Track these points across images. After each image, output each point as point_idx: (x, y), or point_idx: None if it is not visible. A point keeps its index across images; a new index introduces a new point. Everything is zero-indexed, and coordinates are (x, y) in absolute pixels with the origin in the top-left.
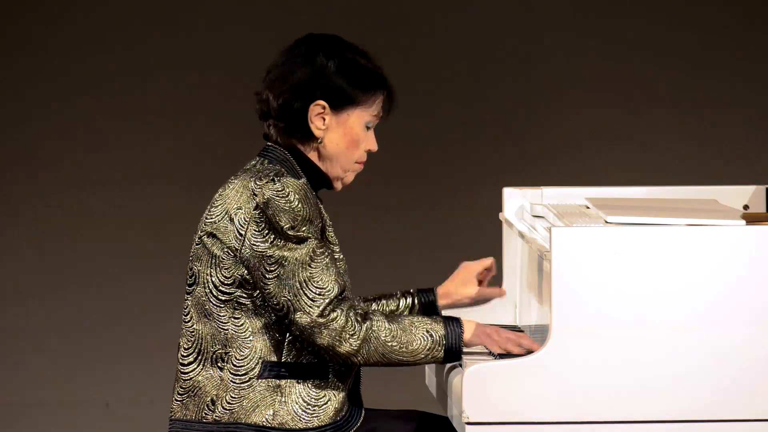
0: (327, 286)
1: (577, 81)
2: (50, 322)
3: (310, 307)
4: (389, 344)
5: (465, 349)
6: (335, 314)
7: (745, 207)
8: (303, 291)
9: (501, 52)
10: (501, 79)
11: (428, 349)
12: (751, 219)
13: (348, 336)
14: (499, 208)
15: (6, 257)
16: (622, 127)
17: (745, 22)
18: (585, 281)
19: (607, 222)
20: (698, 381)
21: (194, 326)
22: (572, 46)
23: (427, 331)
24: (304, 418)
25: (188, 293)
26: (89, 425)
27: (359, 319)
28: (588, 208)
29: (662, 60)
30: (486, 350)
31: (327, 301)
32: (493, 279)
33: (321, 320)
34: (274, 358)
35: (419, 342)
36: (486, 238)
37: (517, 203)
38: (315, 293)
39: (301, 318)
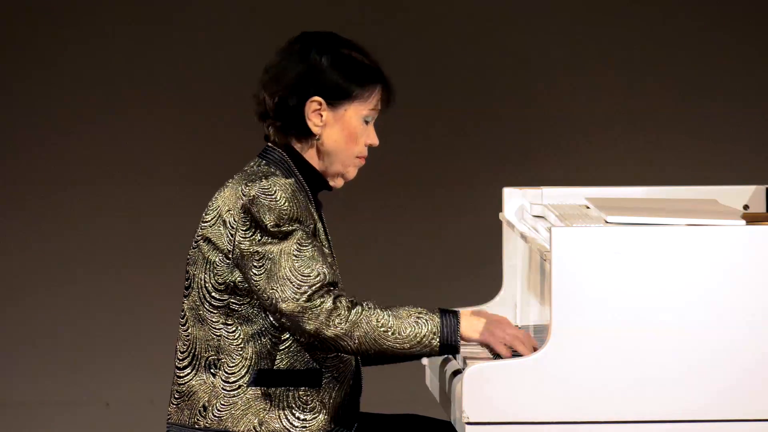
0: (313, 273)
1: (577, 81)
2: (50, 322)
3: (295, 293)
4: (380, 329)
5: (463, 343)
6: (322, 300)
7: (745, 207)
8: (289, 280)
9: (501, 52)
10: (501, 78)
11: (422, 336)
12: (751, 219)
13: (335, 318)
14: (499, 208)
15: (6, 257)
16: (622, 126)
17: (745, 22)
18: (585, 281)
19: (607, 222)
20: (698, 381)
21: (189, 330)
22: (572, 45)
23: (421, 318)
24: (292, 429)
25: (185, 296)
26: (89, 425)
27: (349, 305)
28: (588, 208)
29: (662, 60)
30: (485, 349)
31: (315, 287)
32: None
33: (307, 304)
34: (265, 366)
35: (412, 328)
36: (486, 238)
37: (517, 203)
38: (300, 281)
39: (288, 305)
